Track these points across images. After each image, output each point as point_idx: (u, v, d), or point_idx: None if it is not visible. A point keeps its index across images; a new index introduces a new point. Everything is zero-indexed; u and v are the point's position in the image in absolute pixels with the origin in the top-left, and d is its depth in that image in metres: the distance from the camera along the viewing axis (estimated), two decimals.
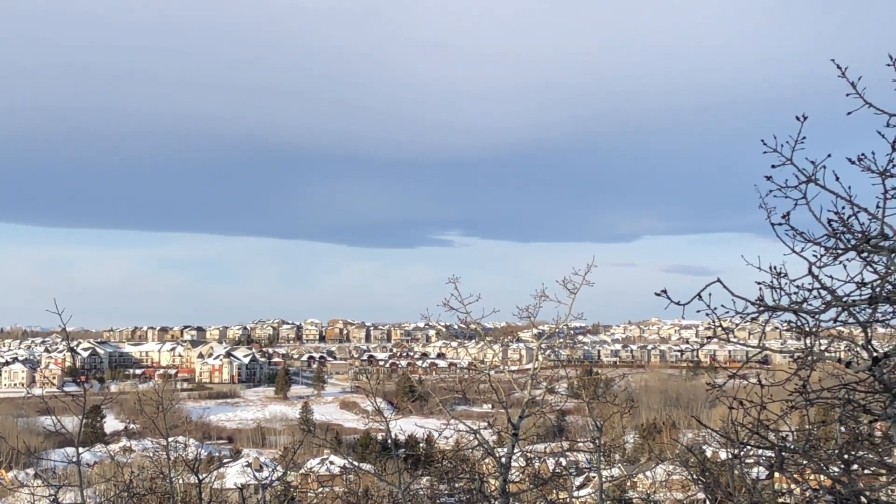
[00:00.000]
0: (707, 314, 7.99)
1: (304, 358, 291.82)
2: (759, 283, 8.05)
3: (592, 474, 23.59)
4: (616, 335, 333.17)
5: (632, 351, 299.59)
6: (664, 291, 7.92)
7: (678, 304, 7.93)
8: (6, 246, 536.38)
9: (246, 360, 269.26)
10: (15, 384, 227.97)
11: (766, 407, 8.80)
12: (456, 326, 22.03)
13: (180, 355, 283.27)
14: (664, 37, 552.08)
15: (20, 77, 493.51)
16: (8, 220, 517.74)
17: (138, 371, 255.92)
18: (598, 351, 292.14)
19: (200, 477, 16.83)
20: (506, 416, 17.59)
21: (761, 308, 8.00)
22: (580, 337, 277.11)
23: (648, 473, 30.28)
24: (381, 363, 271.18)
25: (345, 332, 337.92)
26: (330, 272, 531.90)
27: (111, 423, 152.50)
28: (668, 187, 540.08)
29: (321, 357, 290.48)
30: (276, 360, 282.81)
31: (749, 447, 9.29)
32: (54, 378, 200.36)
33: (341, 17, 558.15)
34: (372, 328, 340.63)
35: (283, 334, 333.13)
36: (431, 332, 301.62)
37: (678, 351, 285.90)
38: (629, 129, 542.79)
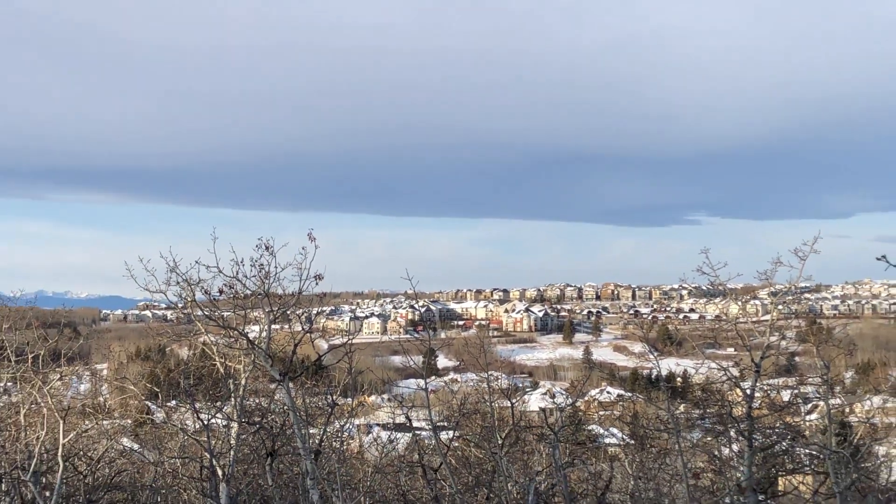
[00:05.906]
0: None
1: (584, 312, 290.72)
2: None
3: (819, 402, 22.64)
4: (835, 293, 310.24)
5: (849, 305, 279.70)
6: (884, 257, 7.73)
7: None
8: (368, 230, 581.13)
9: (540, 314, 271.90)
10: (372, 332, 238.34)
11: None
12: (704, 287, 21.66)
13: (491, 310, 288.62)
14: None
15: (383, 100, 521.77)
16: (371, 212, 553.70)
17: (460, 322, 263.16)
18: (821, 305, 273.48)
19: (512, 401, 17.44)
20: (749, 357, 17.25)
21: None
22: (806, 294, 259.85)
23: (866, 403, 28.55)
24: (645, 316, 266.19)
25: (615, 292, 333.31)
26: (603, 246, 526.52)
27: (441, 361, 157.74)
28: (881, 170, 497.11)
29: (598, 312, 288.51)
30: (562, 314, 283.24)
31: None
32: (400, 328, 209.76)
33: (622, 46, 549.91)
34: (637, 289, 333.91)
35: (567, 294, 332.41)
36: (684, 292, 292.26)
37: (890, 303, 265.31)
38: (851, 119, 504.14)
